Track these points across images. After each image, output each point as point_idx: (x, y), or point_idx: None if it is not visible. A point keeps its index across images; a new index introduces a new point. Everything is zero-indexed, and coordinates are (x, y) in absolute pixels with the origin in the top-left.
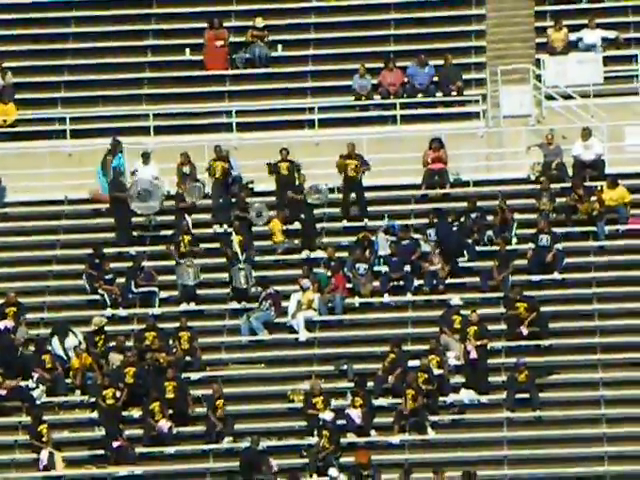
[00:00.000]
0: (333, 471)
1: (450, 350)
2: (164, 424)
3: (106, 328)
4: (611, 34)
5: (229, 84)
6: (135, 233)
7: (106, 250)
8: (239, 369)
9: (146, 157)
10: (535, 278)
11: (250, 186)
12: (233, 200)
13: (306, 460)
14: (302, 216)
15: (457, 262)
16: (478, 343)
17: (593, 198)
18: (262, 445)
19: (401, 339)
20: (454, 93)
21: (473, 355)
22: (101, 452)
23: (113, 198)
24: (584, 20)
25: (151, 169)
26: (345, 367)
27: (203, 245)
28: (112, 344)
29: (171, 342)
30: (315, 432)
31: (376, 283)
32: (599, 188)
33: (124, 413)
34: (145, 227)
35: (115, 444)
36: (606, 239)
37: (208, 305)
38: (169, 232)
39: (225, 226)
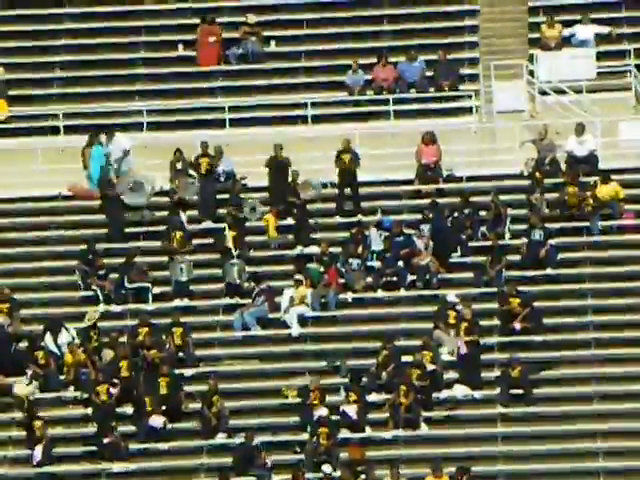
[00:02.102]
0: (327, 467)
1: (443, 346)
2: (158, 420)
3: (99, 324)
4: (604, 29)
5: (222, 80)
6: (128, 229)
7: (99, 246)
8: (232, 365)
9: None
10: (528, 273)
11: (243, 182)
12: (226, 196)
13: (299, 456)
14: (295, 211)
15: (448, 257)
16: (467, 339)
17: (587, 193)
18: (256, 440)
19: (394, 335)
20: (446, 89)
21: (463, 350)
22: (94, 448)
23: (103, 195)
24: (577, 16)
25: (123, 142)
26: (338, 363)
27: (196, 241)
28: (105, 340)
29: (164, 338)
30: (309, 428)
31: (369, 278)
32: (592, 183)
33: (117, 409)
34: (138, 223)
35: (107, 440)
36: (600, 235)
37: (201, 301)
38: (162, 228)
39: (219, 222)
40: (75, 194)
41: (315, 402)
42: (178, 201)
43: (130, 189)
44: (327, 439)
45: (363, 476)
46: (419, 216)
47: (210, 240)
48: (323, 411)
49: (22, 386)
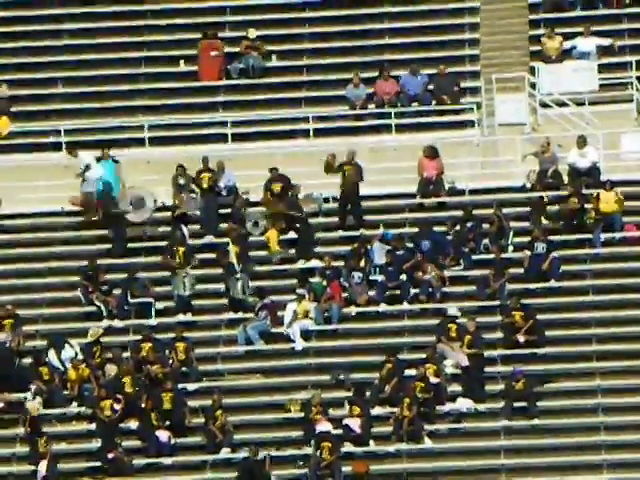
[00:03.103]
0: None
1: (447, 358)
2: (163, 434)
3: (103, 339)
4: (606, 41)
5: (224, 95)
6: (131, 245)
7: (102, 261)
8: (236, 379)
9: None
10: (531, 286)
11: (245, 196)
12: (229, 210)
13: (303, 470)
14: (298, 226)
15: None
16: (469, 351)
17: (589, 205)
18: (262, 455)
19: (398, 348)
20: (448, 102)
21: (464, 363)
22: (98, 464)
23: (105, 212)
24: (579, 28)
25: (100, 170)
26: (342, 377)
27: (199, 256)
28: (109, 355)
29: (167, 353)
30: (313, 443)
31: (372, 292)
32: (594, 195)
33: (121, 425)
34: (140, 238)
35: (110, 455)
36: (602, 247)
37: (204, 316)
38: (164, 243)
39: (221, 237)
40: (78, 205)
41: (317, 417)
42: (180, 216)
43: (132, 206)
44: (330, 454)
45: None
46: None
47: (212, 255)
48: (325, 426)
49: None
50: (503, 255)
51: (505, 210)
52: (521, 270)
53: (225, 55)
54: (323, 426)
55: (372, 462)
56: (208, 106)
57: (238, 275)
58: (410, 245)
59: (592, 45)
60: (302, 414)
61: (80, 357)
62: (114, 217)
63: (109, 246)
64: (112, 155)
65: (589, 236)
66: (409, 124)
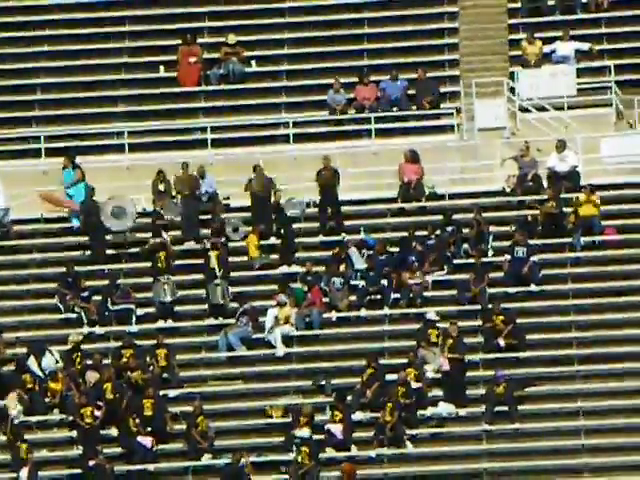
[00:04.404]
0: None
1: (428, 363)
2: (147, 441)
3: (83, 346)
4: (584, 46)
5: (203, 100)
6: (111, 251)
7: (82, 268)
8: (217, 385)
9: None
10: (511, 290)
11: (226, 202)
12: (209, 216)
13: (285, 476)
14: (281, 231)
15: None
16: (451, 356)
17: (568, 210)
18: (244, 461)
19: (379, 353)
20: (428, 106)
21: (445, 367)
22: (79, 471)
23: (85, 219)
24: (557, 32)
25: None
26: (323, 382)
27: (179, 262)
28: (89, 362)
29: (148, 359)
30: (293, 448)
31: (353, 297)
32: (574, 200)
33: (102, 432)
34: (121, 245)
35: (92, 462)
36: (582, 250)
37: (185, 322)
38: (145, 249)
39: (204, 242)
40: (48, 201)
41: (302, 426)
42: (160, 222)
43: (113, 215)
44: (309, 459)
45: None
46: (403, 234)
47: (193, 261)
48: (305, 432)
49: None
50: (483, 259)
51: (485, 214)
52: (501, 274)
53: (205, 61)
54: (302, 432)
55: (353, 467)
56: (188, 112)
57: (217, 281)
58: (392, 250)
59: (571, 49)
60: (283, 420)
61: (60, 365)
62: (93, 224)
63: (89, 252)
64: (76, 162)
65: (569, 240)
66: (389, 129)
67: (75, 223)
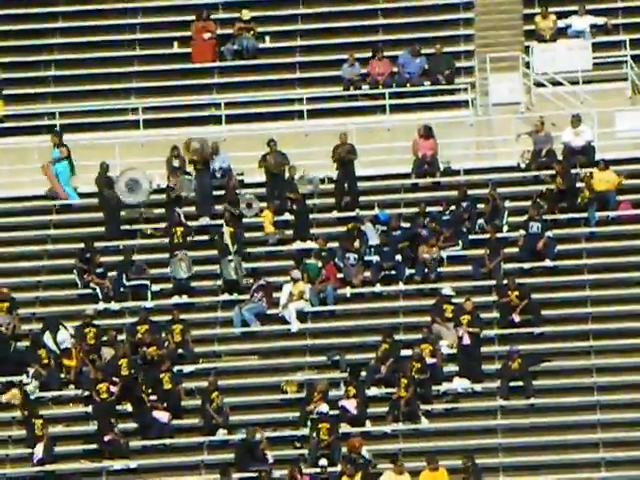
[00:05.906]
0: (323, 461)
1: (443, 339)
2: (164, 416)
3: (99, 322)
4: (600, 20)
5: (217, 76)
6: (126, 226)
7: (98, 244)
8: (232, 361)
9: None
10: (526, 266)
11: (240, 178)
12: (223, 192)
13: (300, 451)
14: (294, 207)
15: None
16: (470, 330)
17: (581, 184)
18: (259, 436)
19: (393, 328)
20: (443, 82)
21: (466, 341)
22: (95, 446)
23: (101, 193)
24: (573, 7)
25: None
26: (337, 358)
27: (194, 238)
28: (105, 338)
29: (164, 335)
30: (310, 424)
31: (367, 273)
32: (588, 174)
33: (118, 407)
34: (136, 220)
35: (107, 438)
36: (597, 225)
37: (200, 297)
38: (160, 225)
39: (216, 218)
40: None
41: (317, 403)
42: (175, 198)
43: (128, 189)
44: (328, 434)
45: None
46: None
47: (208, 237)
48: (324, 407)
49: (11, 394)
50: (498, 235)
51: (500, 190)
52: (516, 250)
53: (219, 37)
54: (321, 407)
55: (368, 442)
56: (202, 88)
57: (230, 257)
58: (406, 225)
59: (586, 24)
60: (298, 395)
61: (73, 340)
62: (108, 199)
63: (104, 228)
64: (63, 142)
65: (584, 215)
66: (403, 104)
67: (73, 200)
